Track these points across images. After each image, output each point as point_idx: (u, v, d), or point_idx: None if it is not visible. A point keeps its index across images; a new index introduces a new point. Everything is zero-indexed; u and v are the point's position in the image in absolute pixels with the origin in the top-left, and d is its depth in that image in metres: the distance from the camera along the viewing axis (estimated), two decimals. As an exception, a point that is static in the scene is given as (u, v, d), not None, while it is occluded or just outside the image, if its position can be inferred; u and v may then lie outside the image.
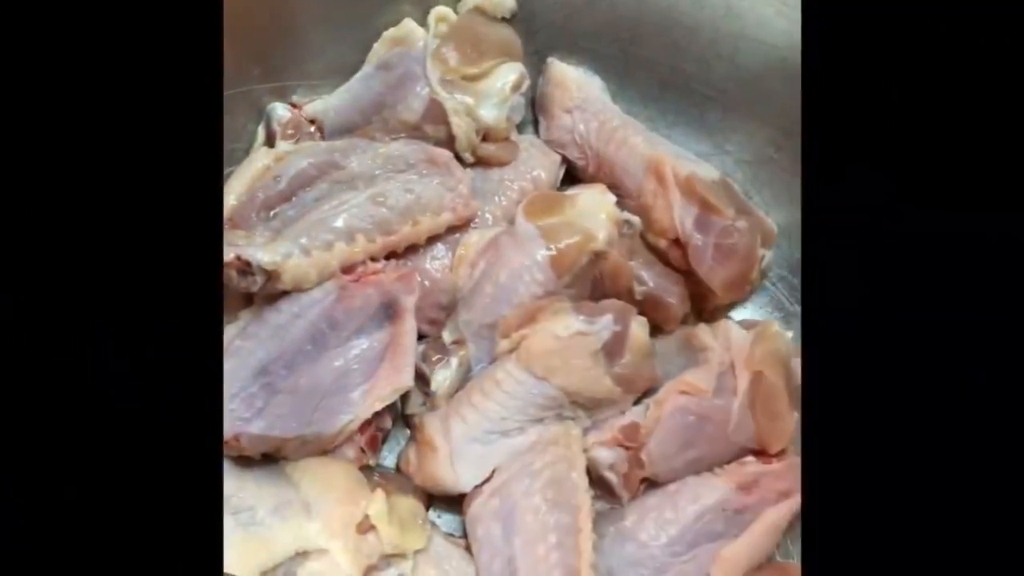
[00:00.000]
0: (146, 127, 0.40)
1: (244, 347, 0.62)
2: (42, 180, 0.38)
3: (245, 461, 0.61)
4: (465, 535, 0.65)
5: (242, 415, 0.60)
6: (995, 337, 0.35)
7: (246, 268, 0.61)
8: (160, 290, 0.39)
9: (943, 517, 0.35)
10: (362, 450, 0.65)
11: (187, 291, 0.39)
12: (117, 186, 0.39)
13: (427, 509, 0.66)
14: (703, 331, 0.69)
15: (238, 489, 0.60)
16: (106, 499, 0.36)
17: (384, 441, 0.69)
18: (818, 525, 0.36)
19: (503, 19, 0.71)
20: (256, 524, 0.59)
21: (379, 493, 0.60)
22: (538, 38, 0.74)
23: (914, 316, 0.36)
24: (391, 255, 0.67)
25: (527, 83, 0.72)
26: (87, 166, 0.39)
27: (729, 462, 0.65)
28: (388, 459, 0.70)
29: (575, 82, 0.72)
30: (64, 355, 0.37)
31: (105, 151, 0.39)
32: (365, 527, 0.59)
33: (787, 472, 0.65)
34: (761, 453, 0.67)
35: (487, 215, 0.70)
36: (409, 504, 0.63)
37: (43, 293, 0.37)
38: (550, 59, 0.74)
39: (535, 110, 0.75)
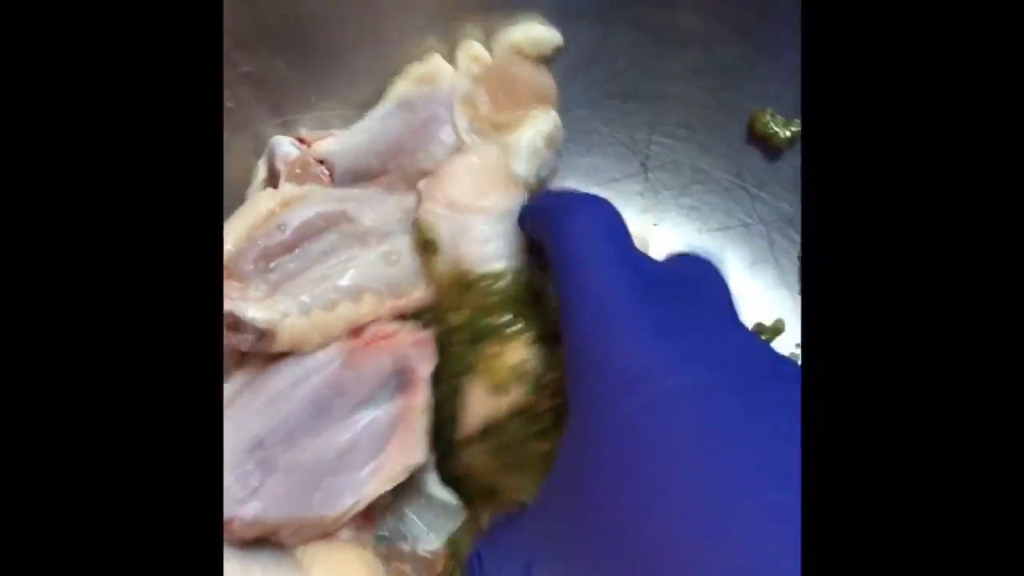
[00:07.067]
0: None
1: (237, 417, 0.56)
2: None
3: (249, 542, 0.55)
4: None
5: (236, 495, 0.54)
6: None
7: (237, 325, 0.55)
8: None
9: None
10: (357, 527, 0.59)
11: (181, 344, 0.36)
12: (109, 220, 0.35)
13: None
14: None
15: (243, 574, 0.54)
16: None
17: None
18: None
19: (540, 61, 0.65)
20: (257, 616, 0.53)
21: (392, 589, 0.55)
22: (569, 89, 0.68)
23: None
24: (399, 318, 0.61)
25: (562, 136, 0.66)
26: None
27: None
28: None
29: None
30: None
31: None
32: (378, 625, 0.54)
33: None
34: None
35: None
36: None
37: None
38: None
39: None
